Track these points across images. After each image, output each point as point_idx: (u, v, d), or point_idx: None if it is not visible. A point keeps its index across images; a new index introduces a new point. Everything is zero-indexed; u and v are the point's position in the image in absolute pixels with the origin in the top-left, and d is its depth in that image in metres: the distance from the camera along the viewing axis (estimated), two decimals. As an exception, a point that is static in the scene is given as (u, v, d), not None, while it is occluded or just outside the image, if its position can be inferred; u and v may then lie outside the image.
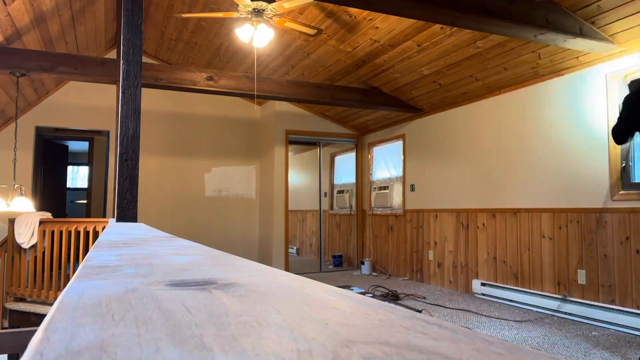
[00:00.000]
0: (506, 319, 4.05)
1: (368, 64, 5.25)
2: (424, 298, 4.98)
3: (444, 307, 4.57)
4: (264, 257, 7.15)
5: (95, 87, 6.34)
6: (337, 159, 8.51)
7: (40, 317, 4.38)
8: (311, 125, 7.28)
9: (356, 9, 4.14)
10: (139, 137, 1.67)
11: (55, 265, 4.48)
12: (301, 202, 9.13)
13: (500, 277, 4.87)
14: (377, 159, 7.31)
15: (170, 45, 6.19)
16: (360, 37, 4.68)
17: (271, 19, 3.85)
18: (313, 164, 8.35)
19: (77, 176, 11.06)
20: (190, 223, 6.95)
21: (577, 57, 4.04)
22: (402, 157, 6.59)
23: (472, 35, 4.12)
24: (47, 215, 4.75)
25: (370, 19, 4.31)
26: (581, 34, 3.52)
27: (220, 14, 3.87)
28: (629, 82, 3.12)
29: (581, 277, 4.04)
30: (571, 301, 4.05)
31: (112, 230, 1.34)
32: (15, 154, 5.11)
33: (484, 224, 5.11)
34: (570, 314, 4.05)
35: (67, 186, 8.74)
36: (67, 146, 8.34)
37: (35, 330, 0.30)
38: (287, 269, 6.80)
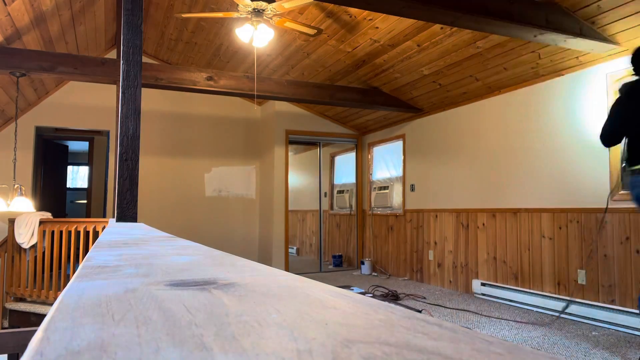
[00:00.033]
0: (506, 319, 4.05)
1: (368, 64, 5.25)
2: (424, 298, 4.98)
3: (444, 307, 4.57)
4: (264, 257, 7.15)
5: (95, 87, 6.34)
6: (337, 159, 8.51)
7: (40, 317, 4.38)
8: (311, 125, 7.28)
9: (356, 9, 4.14)
10: (139, 137, 1.67)
11: (55, 265, 4.48)
12: (301, 202, 9.13)
13: (500, 277, 4.87)
14: (377, 159, 7.31)
15: (170, 45, 6.19)
16: (360, 37, 4.68)
17: (271, 19, 3.85)
18: (313, 164, 8.35)
19: (77, 176, 11.06)
20: (190, 223, 6.95)
21: (577, 57, 4.04)
22: (402, 157, 6.59)
23: (472, 35, 4.12)
24: (47, 215, 4.75)
25: (370, 19, 4.31)
26: (581, 34, 3.52)
27: (220, 14, 3.87)
28: (620, 85, 3.09)
29: (581, 277, 4.04)
30: (572, 302, 4.05)
31: (112, 230, 1.34)
32: (15, 154, 5.11)
33: (484, 224, 5.11)
34: (570, 314, 4.05)
35: (67, 186, 8.74)
36: (67, 146, 8.34)
37: (35, 330, 0.30)
38: (287, 269, 6.80)
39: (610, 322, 3.70)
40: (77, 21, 4.98)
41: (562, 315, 4.09)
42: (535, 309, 4.36)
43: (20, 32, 4.38)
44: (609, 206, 3.83)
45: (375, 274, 6.78)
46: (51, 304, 4.23)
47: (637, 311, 3.53)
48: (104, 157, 7.15)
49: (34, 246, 4.46)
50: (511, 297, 4.62)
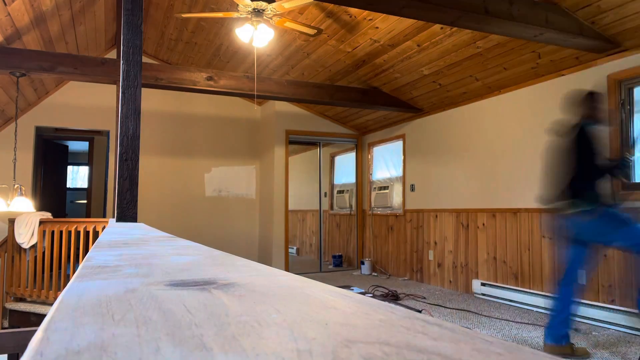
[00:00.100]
0: (506, 319, 4.05)
1: (368, 64, 5.25)
2: (424, 298, 4.98)
3: (444, 307, 4.57)
4: (264, 257, 7.15)
5: (95, 87, 6.34)
6: (337, 159, 8.51)
7: (40, 317, 4.38)
8: (311, 125, 7.28)
9: (356, 9, 4.14)
10: (139, 137, 1.67)
11: (55, 265, 4.48)
12: (301, 202, 9.13)
13: (500, 277, 4.87)
14: (377, 159, 7.31)
15: (170, 45, 6.19)
16: (360, 37, 4.68)
17: (271, 19, 3.85)
18: (313, 164, 8.35)
19: (77, 176, 11.06)
20: (190, 223, 6.95)
21: (577, 57, 4.04)
22: (402, 157, 6.59)
23: (472, 35, 4.12)
24: (47, 215, 4.75)
25: (370, 19, 4.31)
26: (581, 34, 3.52)
27: (220, 14, 3.87)
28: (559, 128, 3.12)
29: (581, 277, 4.03)
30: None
31: (112, 230, 1.34)
32: (15, 154, 5.11)
33: (484, 224, 5.11)
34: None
35: (67, 186, 8.74)
36: (67, 146, 8.34)
37: (35, 330, 0.30)
38: (287, 269, 6.80)
39: (610, 322, 3.70)
40: (77, 21, 4.98)
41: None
42: (535, 309, 4.36)
43: (20, 32, 4.38)
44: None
45: (375, 274, 6.78)
46: (51, 304, 4.24)
47: (637, 311, 3.54)
48: (104, 157, 7.15)
49: (34, 246, 4.46)
50: (511, 297, 4.62)
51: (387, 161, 7.02)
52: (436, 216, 5.82)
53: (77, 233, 4.53)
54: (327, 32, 4.71)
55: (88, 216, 7.84)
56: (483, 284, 5.00)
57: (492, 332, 3.65)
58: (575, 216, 2.98)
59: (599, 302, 3.85)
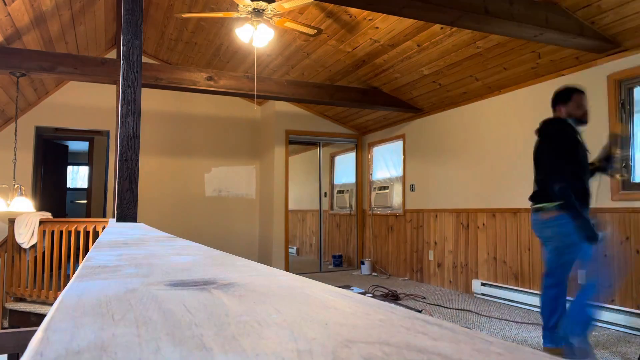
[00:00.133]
0: (506, 319, 4.05)
1: (368, 64, 5.25)
2: (424, 298, 4.98)
3: (444, 307, 4.57)
4: (264, 257, 7.15)
5: (95, 87, 6.34)
6: (337, 159, 8.51)
7: (40, 317, 4.38)
8: (311, 125, 7.28)
9: (356, 9, 4.14)
10: (139, 137, 1.67)
11: (55, 265, 4.48)
12: (301, 202, 9.13)
13: (500, 277, 4.87)
14: (377, 159, 7.31)
15: (170, 45, 6.19)
16: (360, 37, 4.68)
17: (271, 19, 3.85)
18: (313, 164, 8.35)
19: (77, 176, 11.06)
20: (190, 223, 6.95)
21: (577, 57, 4.04)
22: (402, 157, 6.59)
23: (472, 35, 4.12)
24: (47, 215, 4.75)
25: (370, 19, 4.31)
26: (581, 34, 3.52)
27: (220, 14, 3.87)
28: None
29: (581, 277, 4.03)
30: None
31: (112, 230, 1.34)
32: (15, 154, 5.11)
33: (484, 224, 5.11)
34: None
35: (67, 186, 8.74)
36: (67, 146, 8.34)
37: (35, 330, 0.30)
38: (287, 269, 6.80)
39: (610, 322, 3.70)
40: (77, 21, 4.98)
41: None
42: (535, 309, 4.36)
43: (20, 32, 4.38)
44: (611, 206, 3.83)
45: (375, 274, 6.78)
46: (51, 304, 4.23)
47: (638, 311, 3.54)
48: (104, 157, 7.15)
49: (34, 246, 4.46)
50: (511, 297, 4.62)
51: (387, 161, 7.02)
52: (436, 216, 5.82)
53: (77, 233, 4.53)
54: (327, 32, 4.71)
55: (88, 216, 7.84)
56: (483, 284, 5.00)
57: (492, 332, 3.65)
58: (536, 214, 2.95)
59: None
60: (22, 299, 4.54)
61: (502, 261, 4.85)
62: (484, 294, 4.97)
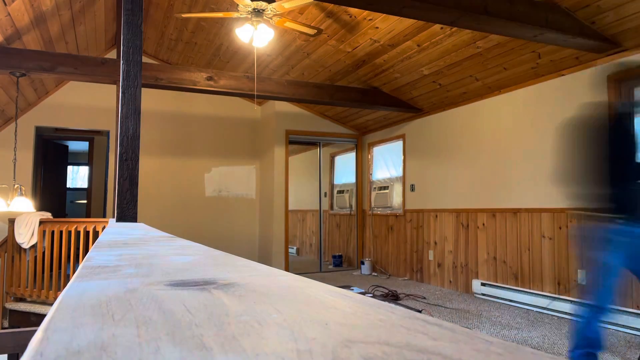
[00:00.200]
0: (506, 319, 4.05)
1: (368, 64, 5.25)
2: (424, 298, 4.98)
3: (444, 307, 4.57)
4: (264, 257, 7.15)
5: (95, 87, 6.34)
6: (337, 159, 8.51)
7: (40, 317, 4.38)
8: (311, 125, 7.28)
9: (356, 9, 4.14)
10: (139, 137, 1.67)
11: (55, 265, 4.48)
12: (301, 202, 9.13)
13: (500, 277, 4.87)
14: (377, 159, 7.31)
15: (170, 45, 6.19)
16: (360, 37, 4.68)
17: (271, 19, 3.85)
18: (313, 164, 8.35)
19: (77, 176, 11.06)
20: (190, 223, 6.95)
21: (577, 57, 4.04)
22: (402, 157, 6.59)
23: (472, 35, 4.12)
24: (47, 215, 4.75)
25: (370, 19, 4.31)
26: (581, 34, 3.52)
27: (220, 14, 3.87)
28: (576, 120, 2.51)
29: (581, 277, 4.04)
30: (568, 301, 4.05)
31: (112, 230, 1.34)
32: (15, 154, 5.11)
33: (484, 224, 5.11)
34: (570, 314, 4.05)
35: (67, 186, 8.74)
36: (67, 146, 8.34)
37: (35, 330, 0.30)
38: (287, 269, 6.80)
39: (610, 322, 3.70)
40: (77, 21, 4.98)
41: (563, 316, 4.09)
42: (535, 309, 4.36)
43: (20, 32, 4.38)
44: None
45: (375, 274, 6.78)
46: (51, 304, 4.24)
47: (638, 311, 3.53)
48: (104, 157, 7.15)
49: (34, 246, 4.46)
50: (511, 297, 4.62)
51: (387, 161, 7.02)
52: (436, 216, 5.82)
53: (77, 233, 4.53)
54: (327, 32, 4.71)
55: (88, 216, 7.84)
56: (483, 284, 5.00)
57: (491, 332, 3.65)
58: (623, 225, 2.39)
59: (599, 302, 3.85)
60: (22, 299, 4.54)
61: (502, 261, 4.85)
62: (484, 294, 4.97)
